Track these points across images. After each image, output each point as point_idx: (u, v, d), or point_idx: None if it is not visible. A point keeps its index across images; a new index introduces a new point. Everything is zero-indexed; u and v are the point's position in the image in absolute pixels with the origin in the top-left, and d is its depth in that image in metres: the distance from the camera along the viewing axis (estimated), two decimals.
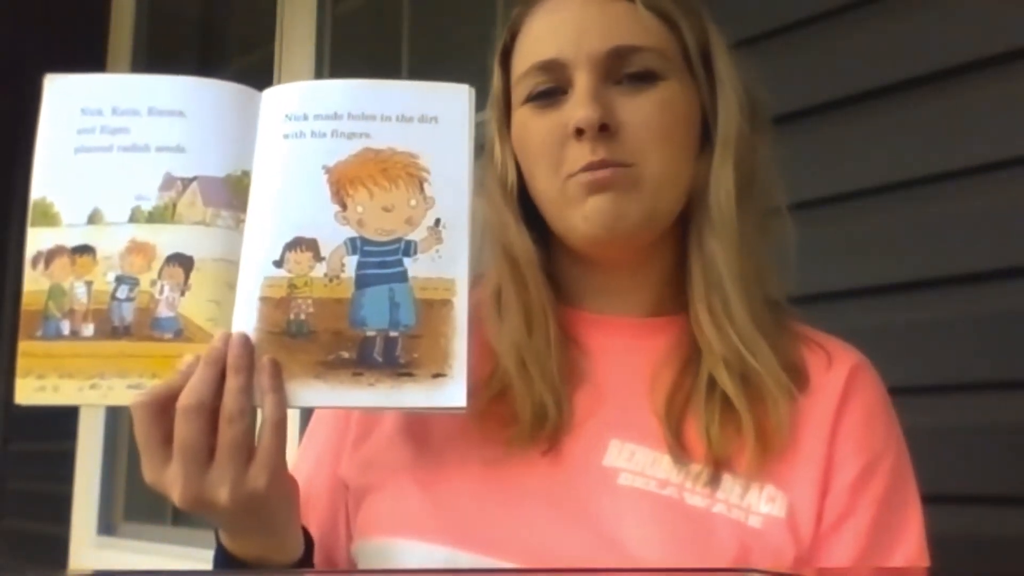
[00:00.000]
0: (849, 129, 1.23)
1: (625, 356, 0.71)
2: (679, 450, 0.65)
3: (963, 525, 1.00)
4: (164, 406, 0.58)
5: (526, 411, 0.67)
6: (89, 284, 0.62)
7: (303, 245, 0.61)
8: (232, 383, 0.58)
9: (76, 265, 0.62)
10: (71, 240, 0.63)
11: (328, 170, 0.62)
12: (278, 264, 0.61)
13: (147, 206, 0.62)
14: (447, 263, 0.61)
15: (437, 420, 0.69)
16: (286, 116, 0.63)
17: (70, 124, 0.64)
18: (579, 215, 0.67)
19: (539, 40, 0.70)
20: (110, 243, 0.62)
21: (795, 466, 0.66)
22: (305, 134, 0.63)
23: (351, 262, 0.61)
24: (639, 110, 0.66)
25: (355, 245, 0.61)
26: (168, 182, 0.62)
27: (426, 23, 2.25)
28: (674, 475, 0.65)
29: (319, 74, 2.35)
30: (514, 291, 0.70)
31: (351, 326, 0.60)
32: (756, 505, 0.64)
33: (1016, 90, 1.09)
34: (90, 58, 3.27)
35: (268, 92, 0.65)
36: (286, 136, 0.63)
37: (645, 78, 0.67)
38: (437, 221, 0.62)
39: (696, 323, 0.68)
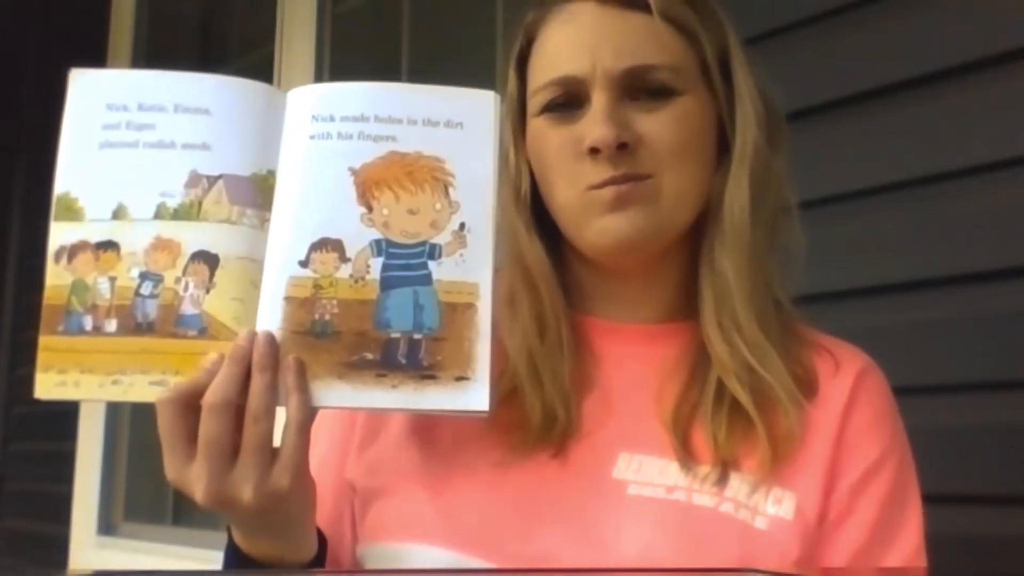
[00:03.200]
0: (849, 129, 1.23)
1: (634, 364, 0.71)
2: (687, 457, 0.65)
3: (963, 525, 1.00)
4: (188, 403, 0.58)
5: (536, 416, 0.67)
6: (113, 280, 0.62)
7: (329, 245, 0.61)
8: (258, 382, 0.58)
9: (100, 260, 0.62)
10: (95, 235, 0.62)
11: (354, 172, 0.62)
12: (303, 264, 0.61)
13: (172, 203, 0.62)
14: (471, 267, 0.61)
15: (444, 423, 0.69)
16: (312, 117, 0.63)
17: (95, 119, 0.64)
18: (595, 228, 0.67)
19: (556, 53, 0.69)
20: (135, 239, 0.62)
21: (802, 468, 0.66)
22: (331, 135, 0.63)
23: (376, 264, 0.61)
24: (656, 126, 0.67)
25: (380, 247, 0.61)
26: (194, 179, 0.62)
27: (426, 23, 2.26)
28: (682, 479, 0.65)
29: (319, 74, 2.35)
30: (527, 297, 0.70)
31: (375, 328, 0.60)
32: (763, 506, 0.64)
33: (1016, 90, 1.09)
34: (90, 58, 3.27)
35: (294, 92, 0.65)
36: (312, 137, 0.63)
37: (661, 94, 0.67)
38: (462, 225, 0.62)
39: (707, 336, 0.68)
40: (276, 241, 0.62)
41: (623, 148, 0.66)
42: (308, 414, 0.59)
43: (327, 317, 0.60)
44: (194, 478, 0.57)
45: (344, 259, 0.61)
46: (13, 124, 3.74)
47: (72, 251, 0.62)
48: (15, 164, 3.86)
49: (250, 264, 0.61)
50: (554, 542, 0.64)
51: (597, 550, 0.63)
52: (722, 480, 0.64)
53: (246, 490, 0.57)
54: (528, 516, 0.65)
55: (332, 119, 0.63)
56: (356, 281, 0.61)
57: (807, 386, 0.68)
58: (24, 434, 3.63)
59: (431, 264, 0.61)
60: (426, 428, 0.70)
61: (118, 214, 0.62)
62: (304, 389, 0.59)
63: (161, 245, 0.62)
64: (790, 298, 0.72)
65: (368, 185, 0.62)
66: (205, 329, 0.61)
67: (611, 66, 0.66)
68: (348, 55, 2.36)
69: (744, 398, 0.65)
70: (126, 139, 0.63)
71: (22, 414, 3.59)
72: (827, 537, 0.65)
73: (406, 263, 0.61)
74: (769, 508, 0.64)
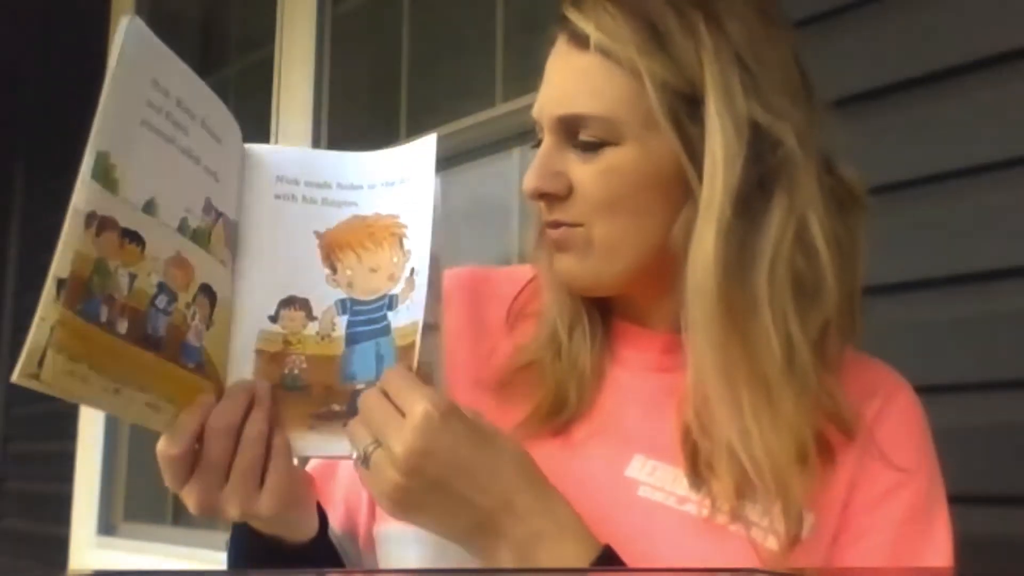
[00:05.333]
0: (849, 129, 1.22)
1: (659, 373, 0.70)
2: (694, 475, 0.64)
3: (963, 525, 1.00)
4: (192, 442, 0.60)
5: (548, 394, 0.68)
6: (133, 277, 0.55)
7: (296, 304, 0.64)
8: (257, 412, 0.61)
9: (123, 250, 0.55)
10: (124, 219, 0.55)
11: (319, 235, 0.65)
12: (273, 319, 0.63)
13: (193, 223, 0.60)
14: (415, 308, 0.62)
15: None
16: (278, 177, 0.65)
17: (141, 90, 0.57)
18: (554, 265, 0.69)
19: (539, 90, 0.70)
20: (160, 244, 0.57)
21: (822, 486, 0.64)
22: (296, 198, 0.65)
23: (342, 321, 0.64)
24: (584, 178, 0.66)
25: (345, 306, 0.64)
26: (207, 207, 0.62)
27: (426, 23, 2.25)
28: (694, 493, 0.64)
29: (319, 74, 2.34)
30: (556, 301, 0.71)
31: (341, 381, 0.63)
32: (777, 525, 0.62)
33: (1016, 90, 1.09)
34: (90, 58, 3.27)
35: (256, 148, 0.66)
36: (277, 196, 0.65)
37: (591, 146, 0.65)
38: (412, 270, 0.64)
39: (710, 405, 0.64)
40: (247, 294, 0.63)
41: (551, 197, 0.66)
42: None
43: (296, 371, 0.63)
44: (188, 492, 0.61)
45: (311, 317, 0.64)
46: (13, 123, 3.74)
47: (101, 224, 0.53)
48: (15, 163, 3.86)
49: (229, 309, 0.63)
50: None
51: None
52: (736, 499, 0.63)
53: (233, 508, 0.61)
54: None
55: (297, 183, 0.65)
56: (323, 338, 0.63)
57: (819, 452, 0.63)
58: (24, 434, 3.63)
59: (389, 315, 0.64)
60: None
61: (149, 208, 0.57)
62: None
63: (180, 263, 0.59)
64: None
65: (332, 248, 0.65)
66: (202, 365, 0.60)
67: (550, 112, 0.67)
68: (348, 55, 2.36)
69: (748, 468, 0.62)
70: (164, 129, 0.58)
71: (22, 414, 3.59)
72: (841, 554, 0.64)
73: (369, 318, 0.64)
74: (784, 527, 0.62)
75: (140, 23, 0.56)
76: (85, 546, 3.03)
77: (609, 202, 0.65)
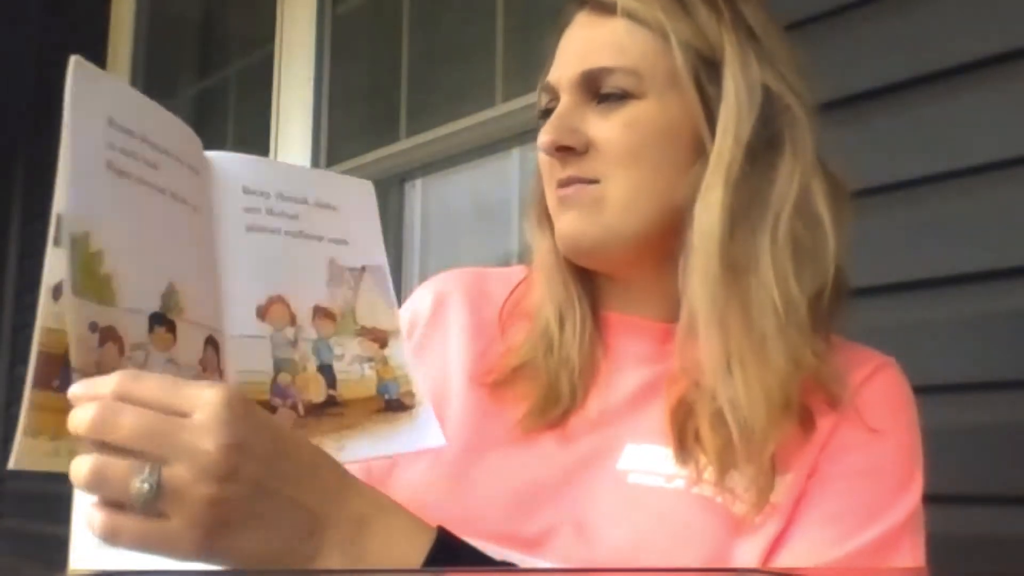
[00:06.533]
0: (849, 129, 1.23)
1: (650, 363, 0.71)
2: (681, 449, 0.65)
3: (963, 525, 1.00)
4: None
5: (540, 389, 0.69)
6: None
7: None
8: None
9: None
10: None
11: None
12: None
13: None
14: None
15: (455, 402, 0.72)
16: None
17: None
18: (557, 228, 0.71)
19: (551, 61, 0.73)
20: None
21: (803, 450, 0.65)
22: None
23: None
24: (605, 130, 0.68)
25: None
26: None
27: (426, 23, 2.26)
28: (681, 468, 0.65)
29: (319, 74, 2.34)
30: (548, 291, 0.73)
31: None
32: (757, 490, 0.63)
33: (1016, 90, 1.09)
34: (90, 58, 3.26)
35: (217, 158, 0.60)
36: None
37: (615, 98, 0.68)
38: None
39: (700, 366, 0.65)
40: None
41: (568, 151, 0.68)
42: None
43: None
44: None
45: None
46: (12, 123, 3.74)
47: None
48: (15, 163, 3.86)
49: None
50: (546, 525, 0.65)
51: (587, 537, 0.64)
52: (720, 471, 0.64)
53: None
54: (525, 499, 0.66)
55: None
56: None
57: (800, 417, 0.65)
58: None
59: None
60: (437, 405, 0.71)
61: None
62: None
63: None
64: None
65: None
66: None
67: (571, 71, 0.69)
68: (348, 55, 2.36)
69: (728, 414, 0.63)
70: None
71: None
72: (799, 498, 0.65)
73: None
74: (761, 484, 0.63)
75: (88, 68, 0.51)
76: (85, 546, 3.03)
77: (630, 155, 0.67)
